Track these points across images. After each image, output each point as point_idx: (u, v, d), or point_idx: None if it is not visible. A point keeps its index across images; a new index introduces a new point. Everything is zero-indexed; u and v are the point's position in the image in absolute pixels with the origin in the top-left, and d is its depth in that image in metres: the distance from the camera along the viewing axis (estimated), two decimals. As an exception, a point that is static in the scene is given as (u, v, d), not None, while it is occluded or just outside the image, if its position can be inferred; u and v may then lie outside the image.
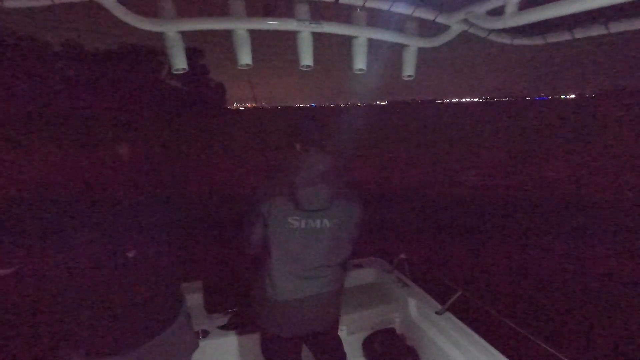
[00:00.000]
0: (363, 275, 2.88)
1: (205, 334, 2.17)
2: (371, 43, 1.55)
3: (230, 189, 10.38)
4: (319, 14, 1.44)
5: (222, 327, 2.25)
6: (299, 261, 1.59)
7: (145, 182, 1.41)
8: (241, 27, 1.40)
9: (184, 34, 1.39)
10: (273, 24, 1.42)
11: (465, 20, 1.48)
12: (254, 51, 1.43)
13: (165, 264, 1.41)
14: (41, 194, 1.20)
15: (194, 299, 2.43)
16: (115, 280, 1.26)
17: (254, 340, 2.25)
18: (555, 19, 1.15)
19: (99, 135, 1.32)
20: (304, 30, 1.45)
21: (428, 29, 1.59)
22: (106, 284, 1.25)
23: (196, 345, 1.63)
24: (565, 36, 1.50)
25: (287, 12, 1.42)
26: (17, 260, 1.16)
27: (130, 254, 1.29)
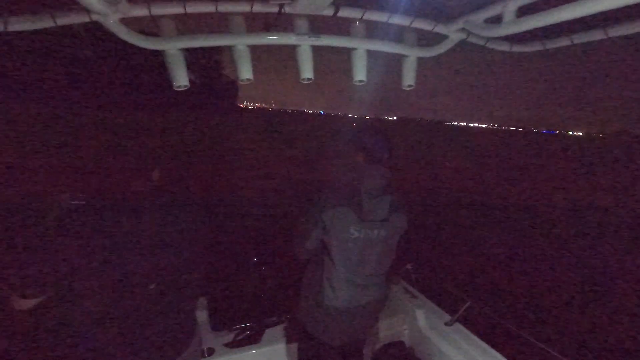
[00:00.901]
0: None
1: (211, 352, 2.13)
2: (371, 54, 1.56)
3: (238, 198, 10.33)
4: (318, 27, 1.46)
5: (228, 345, 2.21)
6: (357, 269, 1.64)
7: (171, 199, 1.37)
8: (241, 43, 1.41)
9: (185, 49, 1.40)
10: (272, 38, 1.43)
11: (464, 29, 1.50)
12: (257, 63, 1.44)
13: (184, 291, 1.39)
14: (74, 215, 1.17)
15: (199, 316, 2.40)
16: (133, 312, 1.24)
17: (260, 357, 2.21)
18: (554, 25, 1.15)
19: (146, 155, 1.28)
20: (304, 43, 1.46)
21: (427, 39, 1.60)
22: (123, 313, 1.22)
23: None
24: (564, 42, 1.51)
25: (287, 26, 1.43)
26: (42, 290, 1.12)
27: (152, 286, 1.27)
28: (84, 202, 1.17)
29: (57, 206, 1.15)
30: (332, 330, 1.70)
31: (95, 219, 1.17)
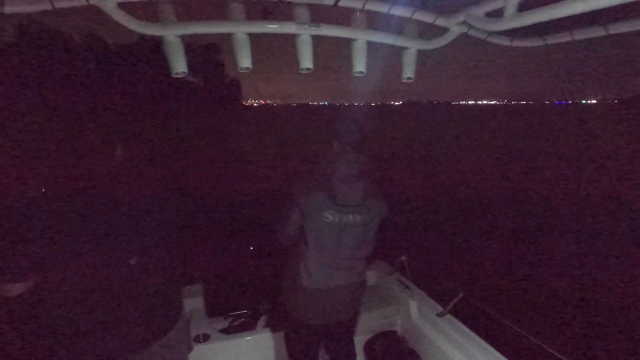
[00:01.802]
0: None
1: (206, 337, 2.17)
2: (371, 45, 1.55)
3: (234, 189, 10.34)
4: (318, 16, 1.44)
5: (223, 331, 2.25)
6: (332, 252, 1.69)
7: (150, 183, 1.39)
8: (241, 31, 1.40)
9: (184, 37, 1.39)
10: (272, 27, 1.42)
11: (465, 22, 1.49)
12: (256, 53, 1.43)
13: (167, 269, 1.40)
14: (43, 199, 1.17)
15: (195, 303, 2.43)
16: (115, 289, 1.24)
17: (255, 343, 2.25)
18: (555, 20, 1.15)
19: (105, 135, 1.28)
20: (304, 33, 1.45)
21: (427, 31, 1.59)
22: (106, 292, 1.23)
23: (190, 349, 1.62)
24: (564, 37, 1.50)
25: (287, 15, 1.42)
26: (29, 275, 1.13)
27: (133, 261, 1.27)
28: (49, 192, 1.18)
29: (26, 196, 1.15)
30: (310, 310, 1.76)
31: (73, 204, 1.18)
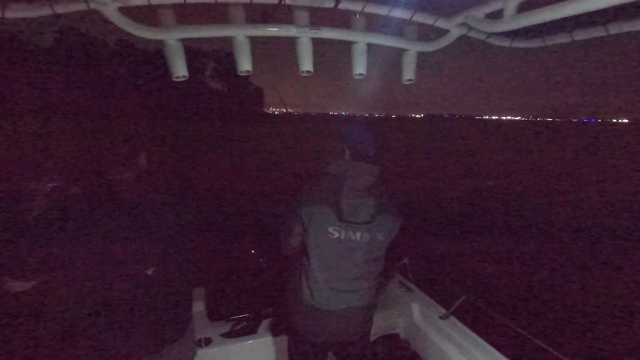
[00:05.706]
0: None
1: (208, 341, 2.16)
2: (371, 47, 1.55)
3: (237, 191, 10.34)
4: (318, 19, 1.45)
5: (225, 335, 2.24)
6: (335, 272, 1.55)
7: (167, 188, 1.38)
8: (241, 34, 1.40)
9: (185, 41, 1.40)
10: (272, 30, 1.42)
11: (464, 24, 1.49)
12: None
13: (181, 277, 1.40)
14: (68, 202, 1.18)
15: (197, 306, 2.42)
16: (132, 297, 1.25)
17: (257, 347, 2.23)
18: (554, 21, 1.15)
19: (128, 141, 1.28)
20: (303, 36, 1.46)
21: (427, 33, 1.59)
22: (124, 300, 1.24)
23: (194, 354, 1.62)
24: (564, 38, 1.50)
25: (287, 18, 1.42)
26: (36, 273, 1.13)
27: (150, 272, 1.28)
28: (60, 184, 1.18)
29: (42, 194, 1.16)
30: (311, 327, 1.64)
31: (88, 208, 1.18)
